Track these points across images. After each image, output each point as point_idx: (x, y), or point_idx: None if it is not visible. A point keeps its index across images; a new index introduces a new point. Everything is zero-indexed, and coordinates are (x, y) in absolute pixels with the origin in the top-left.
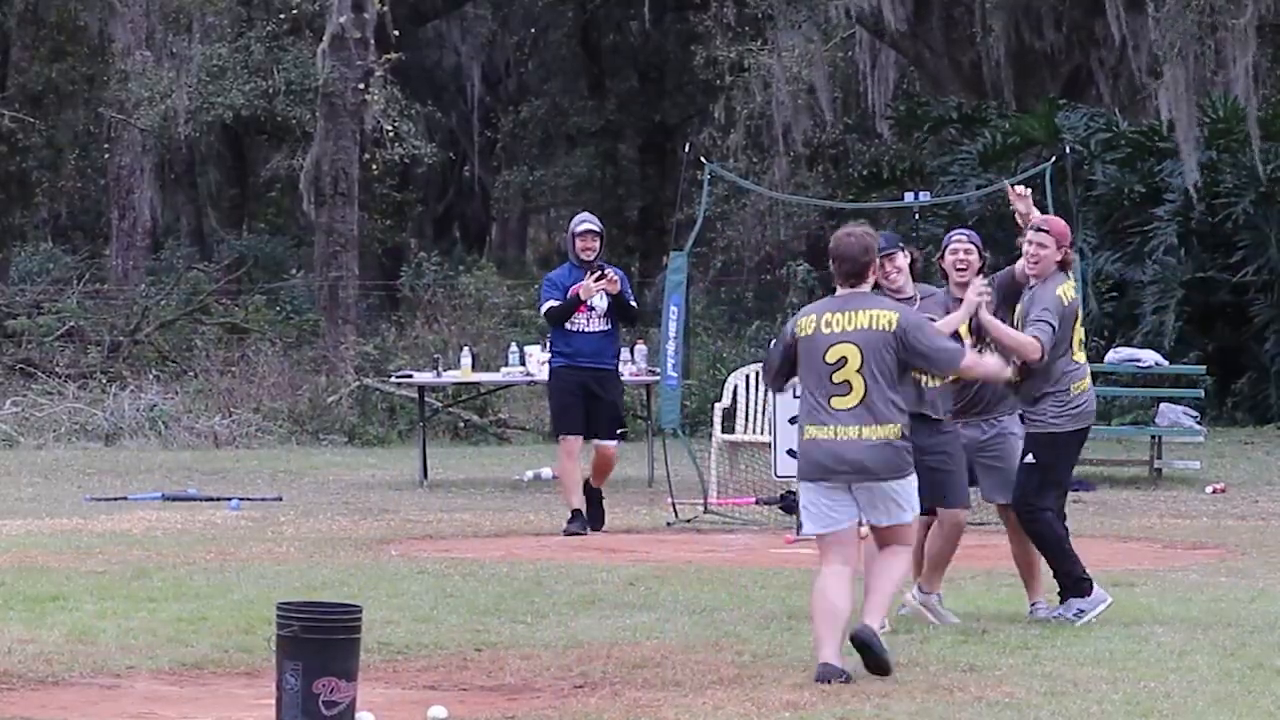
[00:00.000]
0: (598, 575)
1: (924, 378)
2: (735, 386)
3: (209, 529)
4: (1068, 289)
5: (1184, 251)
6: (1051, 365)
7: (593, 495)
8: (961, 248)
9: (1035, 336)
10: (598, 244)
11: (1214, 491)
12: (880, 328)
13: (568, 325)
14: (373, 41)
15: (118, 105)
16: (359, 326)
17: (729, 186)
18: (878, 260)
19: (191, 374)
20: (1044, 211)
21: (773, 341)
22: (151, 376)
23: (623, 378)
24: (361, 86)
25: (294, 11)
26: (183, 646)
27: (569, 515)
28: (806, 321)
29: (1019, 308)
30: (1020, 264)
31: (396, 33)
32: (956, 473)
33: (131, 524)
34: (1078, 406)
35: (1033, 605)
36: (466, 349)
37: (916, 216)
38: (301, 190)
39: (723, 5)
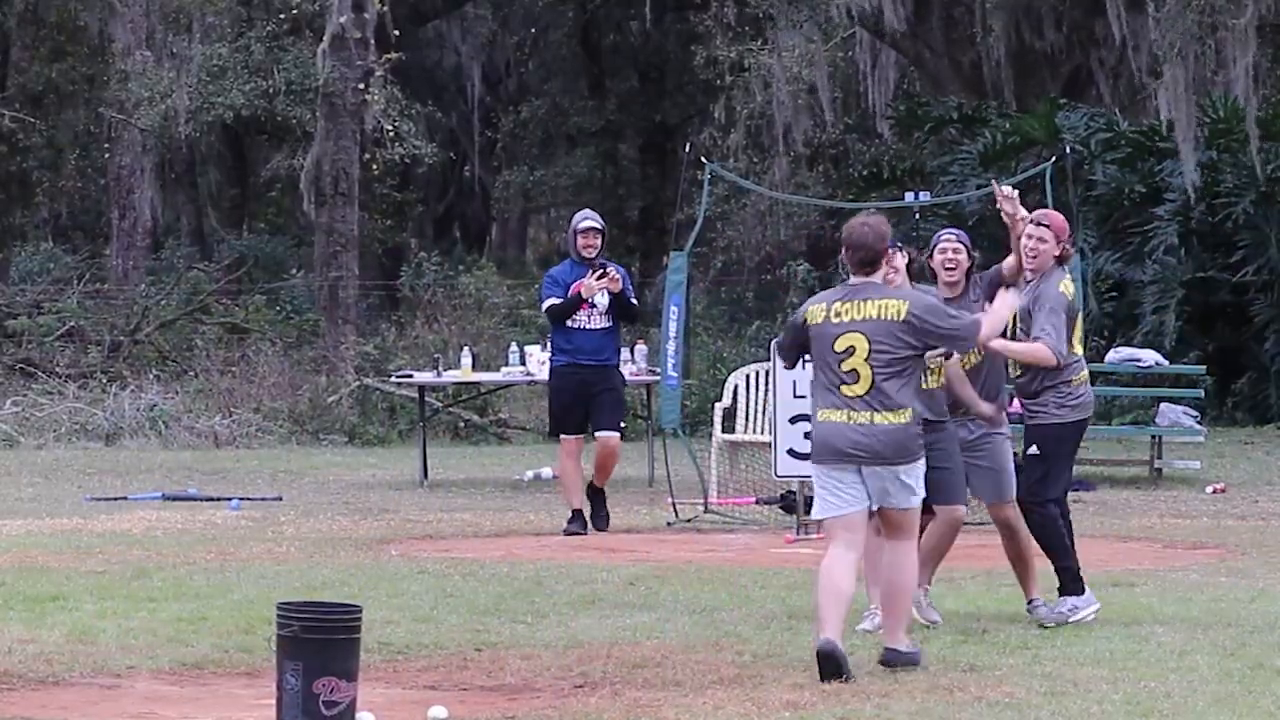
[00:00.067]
0: (598, 575)
1: (925, 377)
2: (735, 386)
3: (209, 529)
4: (1068, 284)
5: (1184, 251)
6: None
7: (596, 496)
8: (950, 247)
9: (1045, 344)
10: (599, 241)
11: (1214, 491)
12: (889, 317)
13: (569, 323)
14: (373, 41)
15: (118, 105)
16: (359, 326)
17: (729, 186)
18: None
19: (192, 374)
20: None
21: (786, 322)
22: (152, 376)
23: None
24: (362, 86)
25: (294, 11)
26: (183, 646)
27: (569, 515)
28: (817, 309)
29: (1020, 302)
30: (1009, 262)
31: (396, 33)
32: (954, 471)
33: (132, 524)
34: (1078, 398)
35: (1030, 603)
36: (467, 349)
37: (917, 216)
38: (302, 190)
39: (723, 5)
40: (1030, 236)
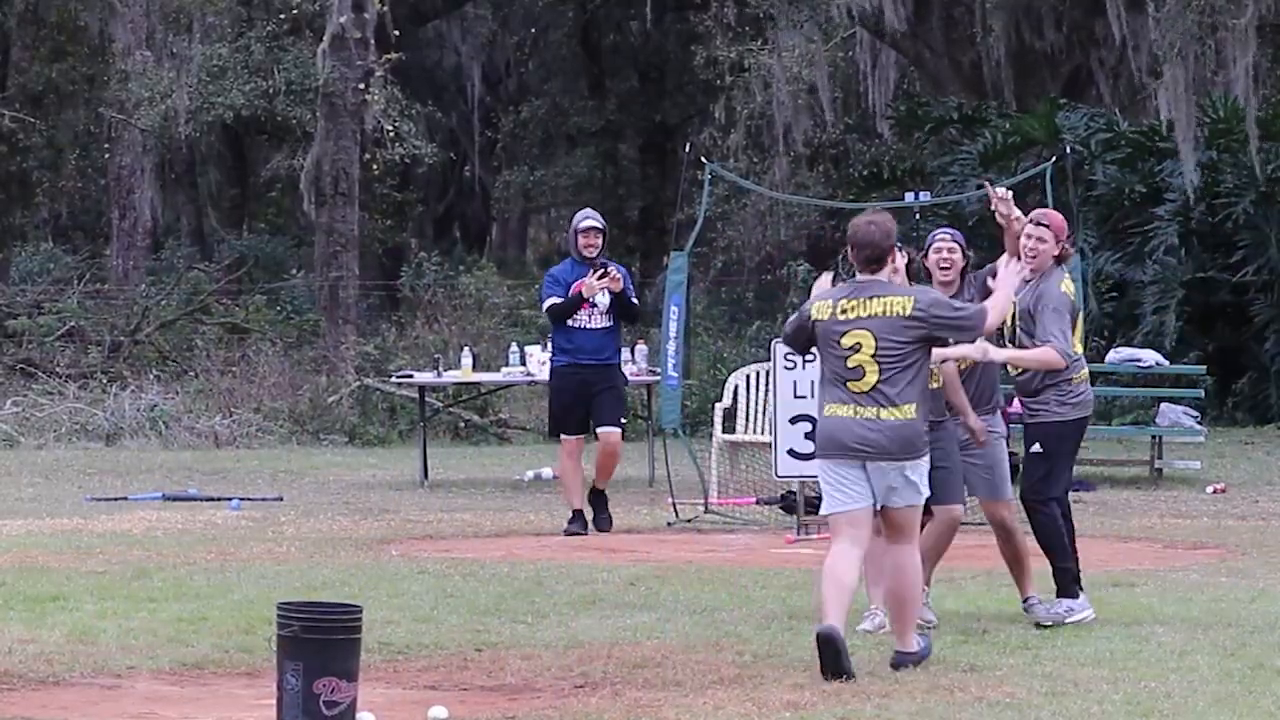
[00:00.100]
0: (598, 575)
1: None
2: (736, 386)
3: (209, 529)
4: (1068, 283)
5: (1184, 251)
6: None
7: (598, 499)
8: (945, 246)
9: (1054, 348)
10: (600, 240)
11: (1214, 491)
12: (895, 314)
13: (569, 322)
14: (373, 41)
15: (118, 105)
16: (359, 326)
17: (729, 186)
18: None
19: (192, 374)
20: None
21: (792, 316)
22: (152, 376)
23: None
24: (362, 86)
25: (294, 11)
26: (183, 646)
27: (569, 515)
28: (823, 306)
29: (1019, 301)
30: (1003, 260)
31: (396, 33)
32: (952, 470)
33: (132, 524)
34: (1079, 396)
35: (1026, 600)
36: (467, 349)
37: (917, 216)
38: (302, 190)
39: (723, 5)
40: (1030, 236)
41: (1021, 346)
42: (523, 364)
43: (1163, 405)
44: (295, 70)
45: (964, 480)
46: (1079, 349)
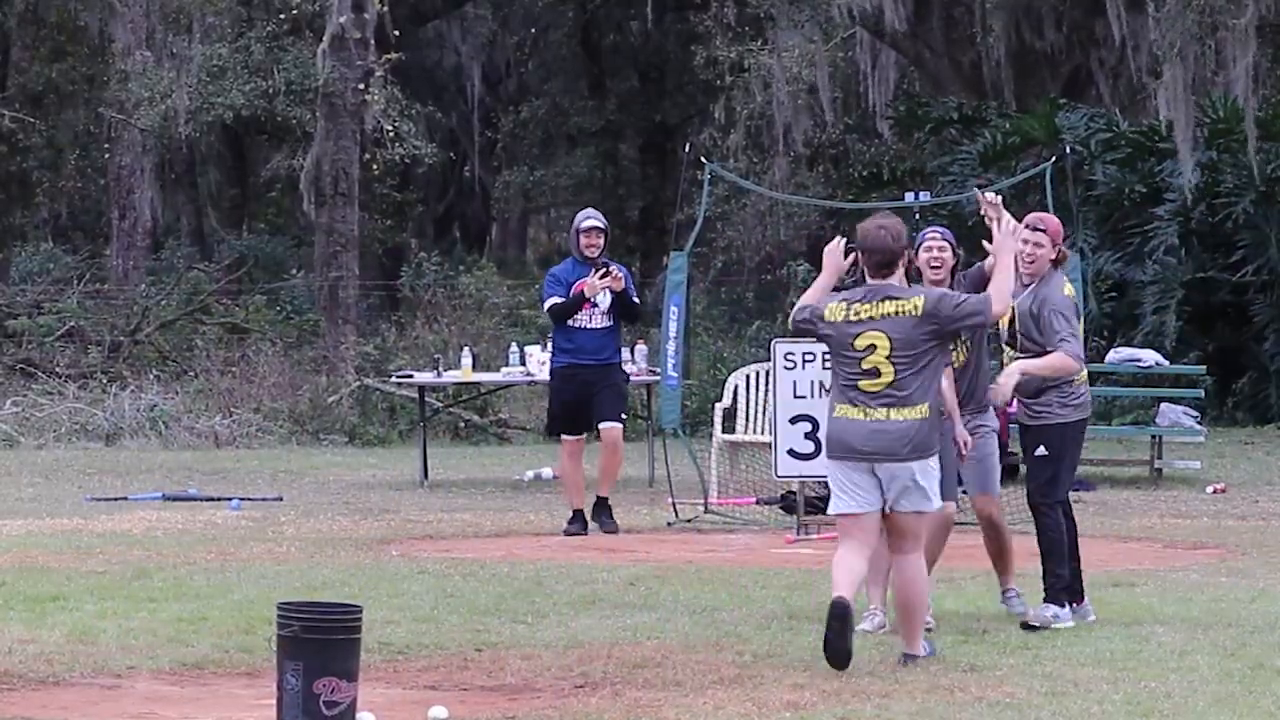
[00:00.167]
0: (598, 575)
1: None
2: (736, 386)
3: (209, 529)
4: (1069, 286)
5: (1184, 251)
6: None
7: (602, 507)
8: (935, 245)
9: (1066, 352)
10: (602, 241)
11: (1214, 491)
12: (908, 313)
13: (570, 322)
14: (373, 41)
15: (118, 105)
16: (359, 326)
17: (729, 186)
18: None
19: (192, 374)
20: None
21: (799, 308)
22: (152, 376)
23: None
24: (361, 86)
25: (294, 11)
26: (183, 646)
27: (569, 515)
28: (836, 307)
29: (1019, 305)
30: (989, 260)
31: (396, 33)
32: (947, 469)
33: (132, 524)
34: (1080, 397)
35: (1005, 592)
36: (467, 349)
37: (917, 217)
38: (302, 190)
39: (723, 5)
40: (1026, 242)
41: (1025, 350)
42: (523, 364)
43: (1163, 405)
44: (295, 70)
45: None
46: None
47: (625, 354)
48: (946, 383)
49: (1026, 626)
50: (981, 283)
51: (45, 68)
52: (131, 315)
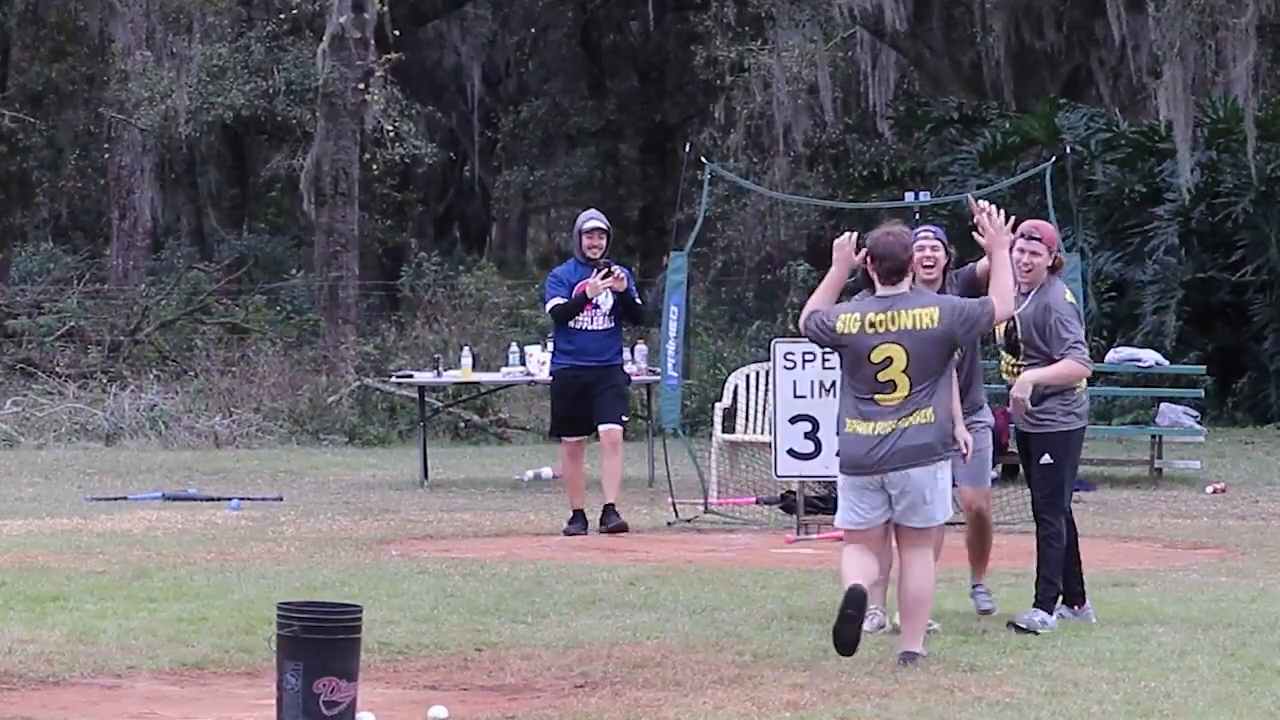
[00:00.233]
0: (598, 575)
1: None
2: (736, 386)
3: (209, 529)
4: (1069, 293)
5: (1184, 251)
6: None
7: (609, 510)
8: (928, 244)
9: (1075, 359)
10: (604, 242)
11: (1214, 491)
12: (924, 326)
13: (572, 324)
14: (373, 41)
15: (118, 105)
16: (359, 326)
17: (729, 186)
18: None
19: (192, 374)
20: (1042, 213)
21: (806, 318)
22: (152, 376)
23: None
24: (361, 86)
25: (294, 11)
26: (183, 646)
27: (570, 515)
28: (850, 319)
29: (1021, 313)
30: (984, 263)
31: (396, 33)
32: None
33: (132, 524)
34: (1081, 404)
35: (975, 588)
36: (467, 349)
37: (917, 217)
38: (302, 190)
39: (723, 5)
40: (1023, 251)
41: (1028, 357)
42: (522, 364)
43: (1163, 405)
44: (295, 70)
45: None
46: None
47: (625, 354)
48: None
49: (1014, 627)
50: (973, 283)
51: (45, 68)
52: (131, 315)
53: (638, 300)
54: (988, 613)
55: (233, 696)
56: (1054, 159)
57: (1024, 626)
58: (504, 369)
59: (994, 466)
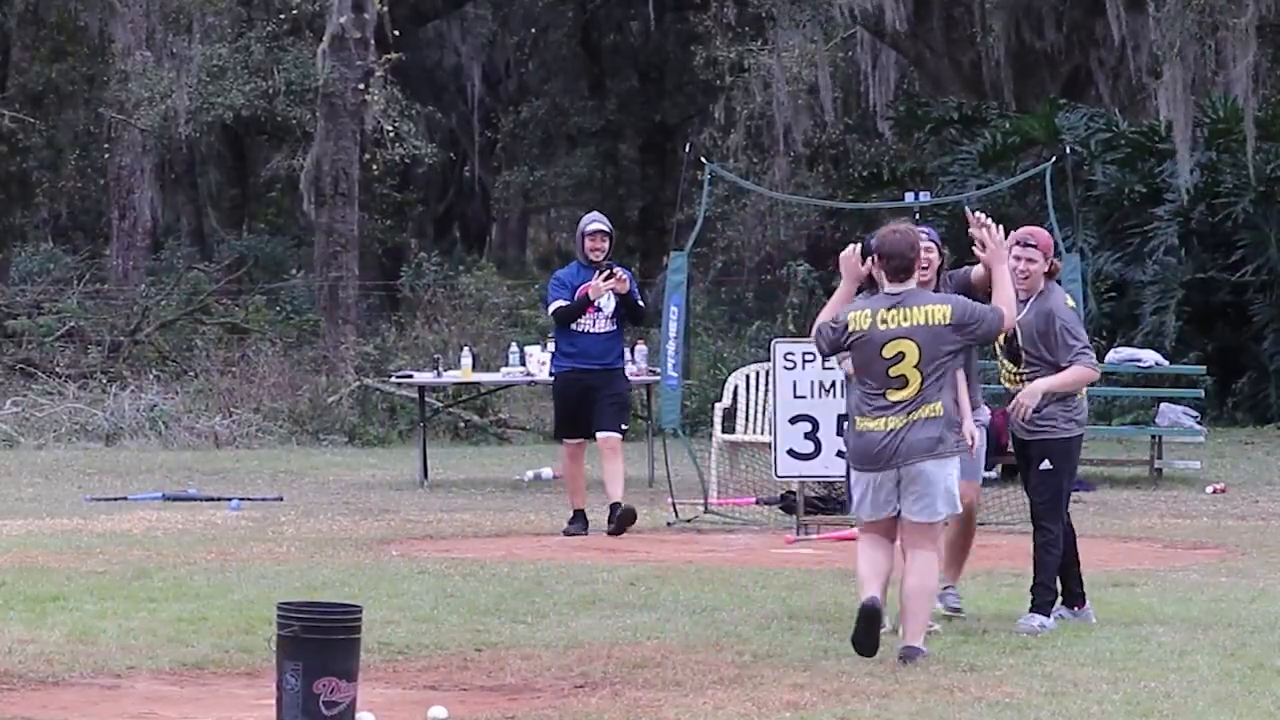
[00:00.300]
0: (598, 575)
1: None
2: (735, 386)
3: (209, 529)
4: (1069, 299)
5: (1184, 251)
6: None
7: (616, 506)
8: (923, 245)
9: (1083, 365)
10: (607, 244)
11: (1214, 491)
12: (937, 322)
13: (573, 326)
14: (373, 42)
15: (118, 105)
16: (359, 326)
17: (729, 187)
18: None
19: (192, 374)
20: (1042, 214)
21: (818, 327)
22: (152, 376)
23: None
24: (361, 87)
25: (294, 11)
26: (183, 647)
27: (570, 515)
28: (860, 316)
29: (1021, 320)
30: (978, 269)
31: (396, 33)
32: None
33: (132, 524)
34: (1081, 411)
35: (946, 588)
36: (467, 349)
37: (916, 217)
38: (302, 190)
39: (723, 5)
40: (1019, 259)
41: (1030, 364)
42: (522, 364)
43: (1163, 405)
44: (295, 70)
45: None
46: None
47: (625, 354)
48: (962, 384)
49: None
50: (968, 287)
51: (45, 68)
52: (131, 315)
53: (640, 302)
54: (957, 610)
55: (233, 696)
56: (1054, 159)
57: (1024, 632)
58: (504, 369)
59: (993, 468)
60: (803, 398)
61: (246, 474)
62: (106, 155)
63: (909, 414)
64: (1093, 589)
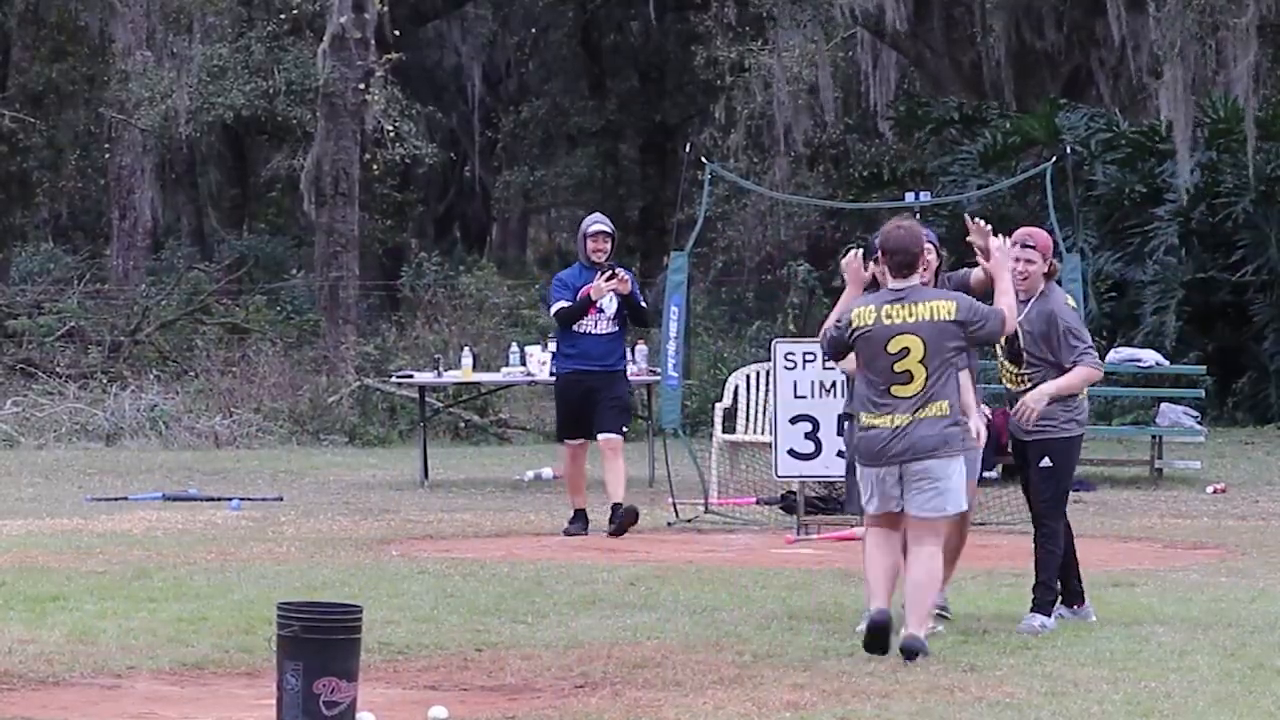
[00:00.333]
0: (598, 575)
1: None
2: (736, 386)
3: (210, 529)
4: (1070, 299)
5: (1184, 251)
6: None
7: (617, 507)
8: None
9: (1088, 365)
10: (609, 245)
11: (1214, 491)
12: (942, 318)
13: (575, 328)
14: (373, 41)
15: (118, 105)
16: (359, 326)
17: (729, 186)
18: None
19: (192, 374)
20: (1043, 213)
21: (824, 331)
22: (152, 376)
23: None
24: (362, 86)
25: (294, 11)
26: (183, 646)
27: (570, 515)
28: (865, 312)
29: (1021, 321)
30: (977, 272)
31: (397, 33)
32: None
33: (132, 524)
34: (1083, 411)
35: None
36: (467, 349)
37: (917, 217)
38: (302, 190)
39: (723, 5)
40: (1018, 260)
41: (1031, 365)
42: (523, 364)
43: (1163, 405)
44: (295, 70)
45: None
46: None
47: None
48: (968, 382)
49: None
50: (966, 289)
51: (45, 68)
52: (131, 315)
53: (643, 304)
54: (943, 610)
55: (233, 696)
56: (1054, 159)
57: (1025, 634)
58: (504, 369)
59: (993, 468)
60: (803, 398)
61: (247, 474)
62: (107, 155)
63: (914, 411)
64: (1093, 589)
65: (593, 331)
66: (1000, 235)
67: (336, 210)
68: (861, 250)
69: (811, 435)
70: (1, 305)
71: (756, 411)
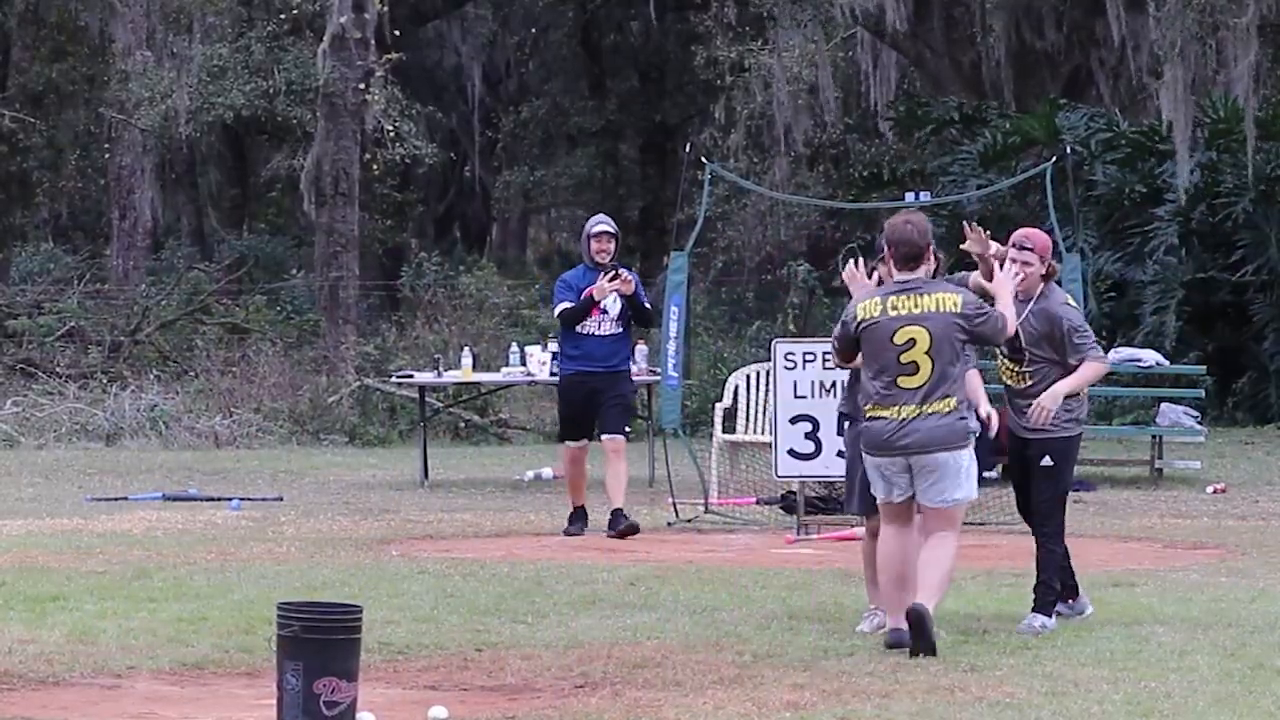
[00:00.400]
0: (598, 575)
1: None
2: (736, 386)
3: (210, 529)
4: (1070, 299)
5: (1184, 251)
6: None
7: (618, 514)
8: None
9: (1094, 362)
10: (613, 246)
11: (1214, 491)
12: (947, 310)
13: (578, 328)
14: (373, 41)
15: (118, 105)
16: (359, 326)
17: (729, 186)
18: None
19: (192, 374)
20: (1043, 214)
21: (836, 328)
22: (152, 376)
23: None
24: (362, 86)
25: (294, 11)
26: (183, 646)
27: (570, 515)
28: (870, 304)
29: (1021, 322)
30: (976, 275)
31: (397, 33)
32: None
33: (132, 524)
34: (1083, 410)
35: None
36: (467, 349)
37: None
38: (302, 190)
39: (723, 5)
40: (1015, 261)
41: (1032, 364)
42: (523, 364)
43: (1163, 405)
44: (295, 70)
45: None
46: None
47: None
48: (976, 379)
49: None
50: None
51: (45, 68)
52: (132, 315)
53: (646, 305)
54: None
55: (233, 696)
56: (1054, 159)
57: (1027, 634)
58: (504, 369)
59: (993, 468)
60: (803, 398)
61: (247, 474)
62: (107, 155)
63: (921, 404)
64: (1093, 589)
65: (596, 333)
66: (998, 242)
67: (336, 210)
68: (852, 260)
69: (811, 435)
70: (1, 305)
71: (756, 411)
